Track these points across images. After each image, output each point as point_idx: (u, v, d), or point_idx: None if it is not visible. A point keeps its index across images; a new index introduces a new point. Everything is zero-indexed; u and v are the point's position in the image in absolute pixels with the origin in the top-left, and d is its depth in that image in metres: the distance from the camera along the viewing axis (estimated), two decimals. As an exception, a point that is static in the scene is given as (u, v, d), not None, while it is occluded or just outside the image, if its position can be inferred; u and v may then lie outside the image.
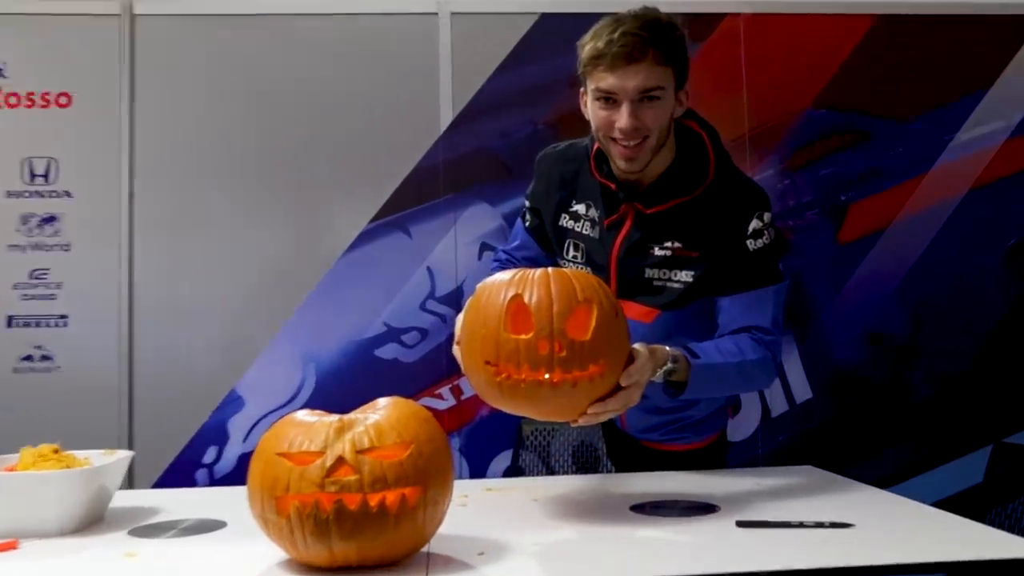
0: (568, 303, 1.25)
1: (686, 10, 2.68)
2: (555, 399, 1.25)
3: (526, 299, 1.25)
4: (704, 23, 2.75)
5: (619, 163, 1.55)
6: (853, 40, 2.78)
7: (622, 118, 1.48)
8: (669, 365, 1.40)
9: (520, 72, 2.72)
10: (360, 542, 1.08)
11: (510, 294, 1.27)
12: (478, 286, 1.34)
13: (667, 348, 1.41)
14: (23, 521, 1.28)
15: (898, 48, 2.79)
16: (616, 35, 1.45)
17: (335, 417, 1.15)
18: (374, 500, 1.07)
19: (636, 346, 1.34)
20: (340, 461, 1.09)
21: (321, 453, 1.10)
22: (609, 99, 1.49)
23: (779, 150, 2.75)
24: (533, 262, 1.78)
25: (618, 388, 1.30)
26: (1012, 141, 2.80)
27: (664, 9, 1.53)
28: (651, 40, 1.45)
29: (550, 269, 1.30)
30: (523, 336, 1.24)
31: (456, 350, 1.38)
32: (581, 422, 1.31)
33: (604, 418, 1.32)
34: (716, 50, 2.76)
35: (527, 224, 1.80)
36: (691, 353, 1.45)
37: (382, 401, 1.20)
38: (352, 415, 1.16)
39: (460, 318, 1.38)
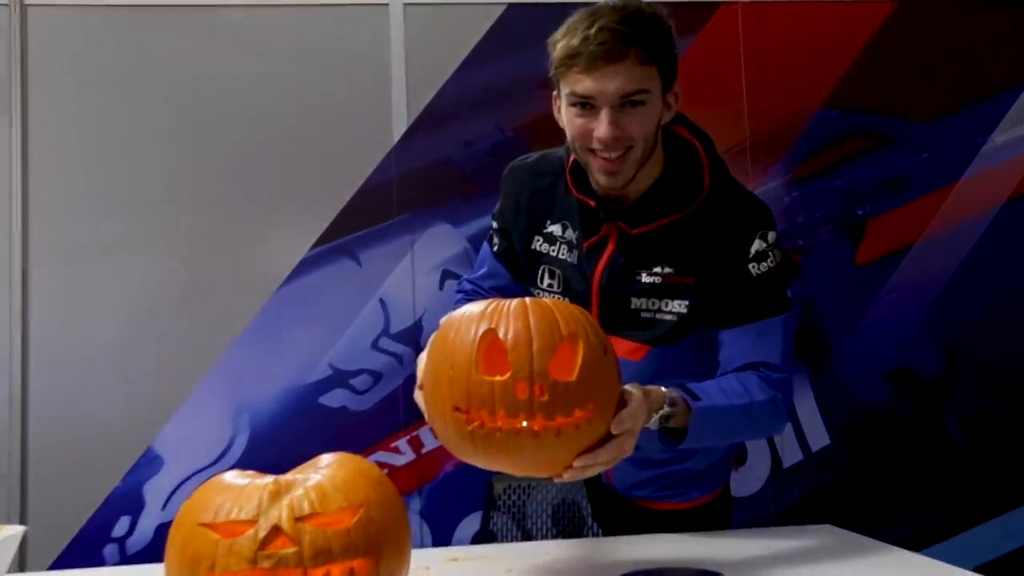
0: (550, 339, 1.25)
1: (676, -2, 2.74)
2: (536, 450, 1.25)
3: (501, 335, 1.25)
4: (696, 13, 2.78)
5: (599, 177, 1.55)
6: (870, 29, 2.82)
7: (601, 126, 1.47)
8: (666, 409, 1.40)
9: (485, 71, 2.74)
10: None
11: (482, 329, 1.26)
12: (443, 321, 1.33)
13: (663, 389, 1.41)
14: None
15: (923, 37, 2.83)
16: (593, 31, 1.44)
17: (270, 478, 1.13)
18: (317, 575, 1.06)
19: (628, 387, 1.34)
20: (276, 531, 1.07)
21: (253, 522, 1.08)
22: (586, 104, 1.49)
23: (785, 158, 2.78)
24: (503, 292, 1.77)
25: (608, 436, 1.29)
26: (1054, 144, 2.85)
27: (648, -3, 1.55)
28: (633, 36, 1.45)
29: (528, 299, 1.30)
30: (498, 378, 1.23)
31: (418, 395, 1.38)
32: (566, 477, 1.30)
33: (592, 472, 1.30)
34: (710, 44, 2.79)
35: (495, 249, 1.80)
36: (690, 394, 1.44)
37: (326, 458, 1.19)
38: (290, 475, 1.15)
39: (422, 358, 1.37)
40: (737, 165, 2.65)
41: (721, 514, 1.82)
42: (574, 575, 1.45)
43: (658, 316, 1.59)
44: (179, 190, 2.68)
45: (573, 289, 1.66)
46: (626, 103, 1.48)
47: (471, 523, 2.59)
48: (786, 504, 2.71)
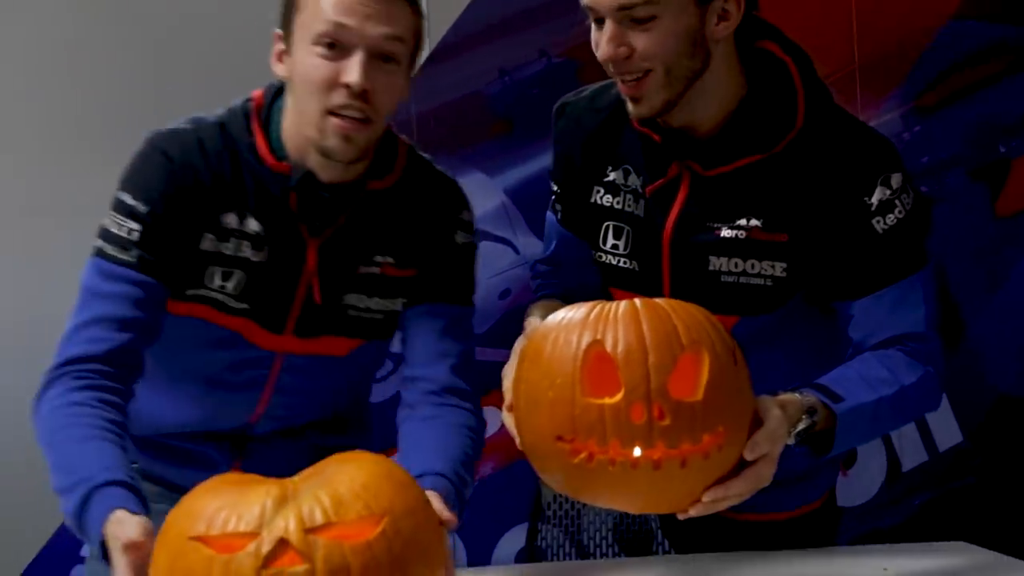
0: (669, 350, 1.25)
1: None
2: (657, 484, 1.26)
3: (609, 347, 1.25)
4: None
5: (628, 106, 1.58)
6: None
7: (602, 42, 1.50)
8: (805, 421, 1.40)
9: (523, -20, 2.75)
10: None
11: (586, 341, 1.26)
12: (532, 327, 1.37)
13: (798, 396, 1.41)
14: None
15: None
16: None
17: (273, 483, 1.16)
18: None
19: (763, 400, 1.34)
20: (282, 545, 1.09)
21: (255, 535, 1.10)
22: (599, 20, 1.51)
23: (905, 84, 2.76)
24: (585, 265, 1.79)
25: (742, 463, 1.30)
26: None
27: None
28: None
29: (638, 301, 1.30)
30: (608, 400, 1.24)
31: (507, 418, 1.39)
32: (692, 513, 1.31)
33: (724, 506, 1.32)
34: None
35: (559, 217, 1.81)
36: (830, 395, 1.45)
37: (340, 458, 1.22)
38: (298, 478, 1.18)
39: (509, 372, 1.40)
40: (844, 92, 2.61)
41: (825, 528, 1.83)
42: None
43: (743, 280, 1.60)
44: (134, 138, 2.69)
45: (642, 251, 1.66)
46: (630, 17, 1.48)
47: (515, 538, 2.63)
48: (907, 516, 2.72)
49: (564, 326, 1.30)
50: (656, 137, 1.61)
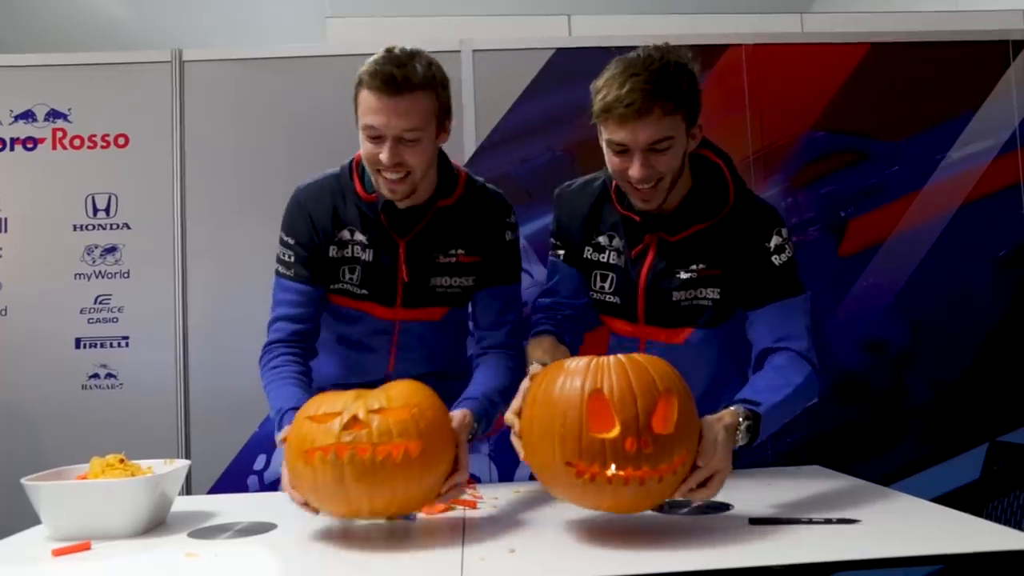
0: (651, 396, 1.18)
1: (692, 42, 2.70)
2: (640, 493, 1.19)
3: (606, 392, 1.17)
4: (709, 54, 2.76)
5: (636, 203, 1.54)
6: (849, 67, 2.77)
7: (634, 168, 1.44)
8: (743, 430, 1.34)
9: (537, 103, 2.73)
10: (371, 487, 1.19)
11: (589, 388, 1.18)
12: (536, 372, 1.28)
13: (731, 409, 1.34)
14: (94, 525, 1.32)
15: (892, 73, 2.78)
16: (624, 91, 1.40)
17: (356, 391, 1.28)
18: (382, 451, 1.18)
19: (706, 420, 1.27)
20: (354, 419, 1.20)
21: (339, 413, 1.22)
22: (622, 149, 1.46)
23: (782, 170, 2.75)
24: (578, 291, 1.71)
25: (694, 467, 1.24)
26: (1000, 159, 2.77)
27: (672, 42, 1.52)
28: (658, 92, 1.40)
29: (623, 356, 1.22)
30: (608, 436, 1.16)
31: (516, 440, 1.29)
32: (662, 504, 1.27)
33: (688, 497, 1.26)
34: (721, 78, 2.76)
35: (561, 256, 1.73)
36: (752, 404, 1.38)
37: (395, 381, 1.33)
38: (371, 390, 1.29)
39: (518, 405, 1.30)
40: (743, 175, 2.59)
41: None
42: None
43: (695, 302, 1.58)
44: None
45: (623, 289, 1.64)
46: (654, 148, 1.44)
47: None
48: (782, 449, 2.68)
49: (570, 372, 1.21)
50: (637, 218, 1.58)
